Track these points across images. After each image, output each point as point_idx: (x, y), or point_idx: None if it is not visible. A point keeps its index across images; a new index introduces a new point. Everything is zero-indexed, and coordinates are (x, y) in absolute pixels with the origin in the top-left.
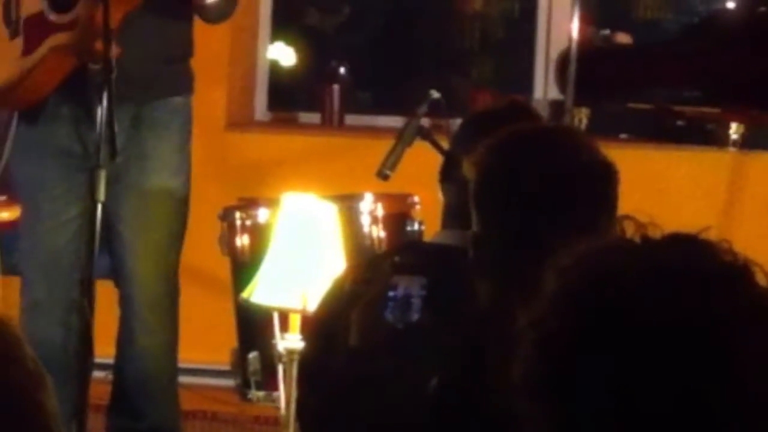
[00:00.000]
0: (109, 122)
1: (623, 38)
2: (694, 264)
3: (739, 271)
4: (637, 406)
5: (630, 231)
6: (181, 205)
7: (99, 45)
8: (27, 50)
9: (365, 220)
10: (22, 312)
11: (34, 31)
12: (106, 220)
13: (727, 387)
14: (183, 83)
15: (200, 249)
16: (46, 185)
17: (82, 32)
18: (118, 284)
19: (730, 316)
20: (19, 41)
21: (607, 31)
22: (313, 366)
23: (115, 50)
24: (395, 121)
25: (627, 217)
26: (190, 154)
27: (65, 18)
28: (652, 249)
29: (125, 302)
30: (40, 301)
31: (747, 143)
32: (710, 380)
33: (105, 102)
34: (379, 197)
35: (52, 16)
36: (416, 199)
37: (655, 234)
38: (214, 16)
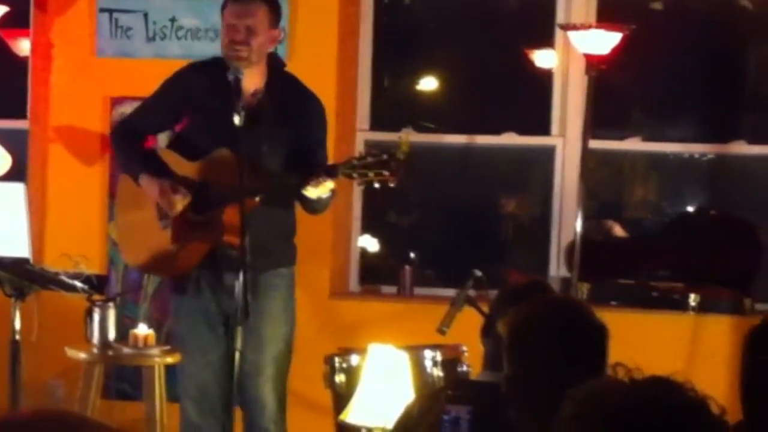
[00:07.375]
0: (245, 294)
1: (618, 229)
2: (667, 397)
3: (698, 401)
4: None
5: (621, 374)
6: (288, 346)
7: (225, 237)
8: (175, 238)
9: (428, 364)
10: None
11: (180, 224)
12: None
13: None
14: (288, 257)
15: (310, 384)
16: (198, 336)
17: (214, 229)
18: (242, 405)
19: None
20: (169, 231)
21: (608, 221)
22: None
23: (235, 240)
24: (450, 293)
25: (619, 364)
26: (294, 309)
27: (202, 218)
28: (638, 387)
29: (249, 419)
30: (193, 423)
31: (702, 309)
32: None
33: (241, 278)
34: (438, 347)
35: (193, 216)
36: (465, 348)
37: (638, 376)
38: (312, 211)
